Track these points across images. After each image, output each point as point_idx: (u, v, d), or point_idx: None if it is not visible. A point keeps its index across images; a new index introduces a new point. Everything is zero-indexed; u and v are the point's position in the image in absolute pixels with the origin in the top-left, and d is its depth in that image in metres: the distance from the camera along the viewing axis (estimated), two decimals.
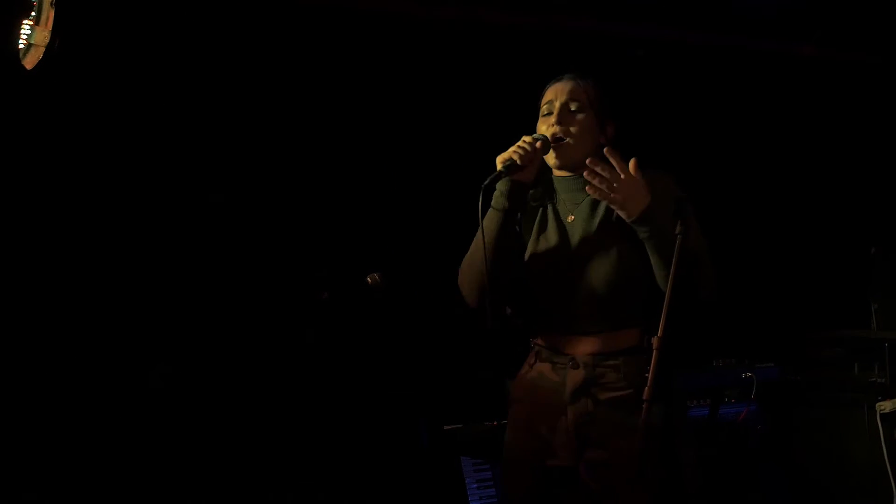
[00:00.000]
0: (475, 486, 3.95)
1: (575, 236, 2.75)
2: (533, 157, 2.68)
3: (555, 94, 2.82)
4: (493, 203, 2.72)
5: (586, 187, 2.58)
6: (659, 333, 2.39)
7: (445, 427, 3.95)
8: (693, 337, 3.94)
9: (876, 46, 5.18)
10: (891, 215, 5.14)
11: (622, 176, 2.56)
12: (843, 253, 5.05)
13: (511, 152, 2.67)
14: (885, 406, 4.22)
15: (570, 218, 2.79)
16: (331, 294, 3.24)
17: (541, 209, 2.83)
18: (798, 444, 4.51)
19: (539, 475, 2.69)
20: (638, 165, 2.59)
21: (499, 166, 2.65)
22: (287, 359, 3.97)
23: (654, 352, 2.39)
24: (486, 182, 2.64)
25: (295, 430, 3.97)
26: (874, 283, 4.72)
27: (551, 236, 2.77)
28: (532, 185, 2.76)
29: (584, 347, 2.69)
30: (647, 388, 2.36)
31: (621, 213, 2.59)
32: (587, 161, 2.56)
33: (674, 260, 2.45)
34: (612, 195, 2.56)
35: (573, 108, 2.79)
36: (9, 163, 3.62)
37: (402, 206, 4.36)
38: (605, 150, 2.58)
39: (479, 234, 2.70)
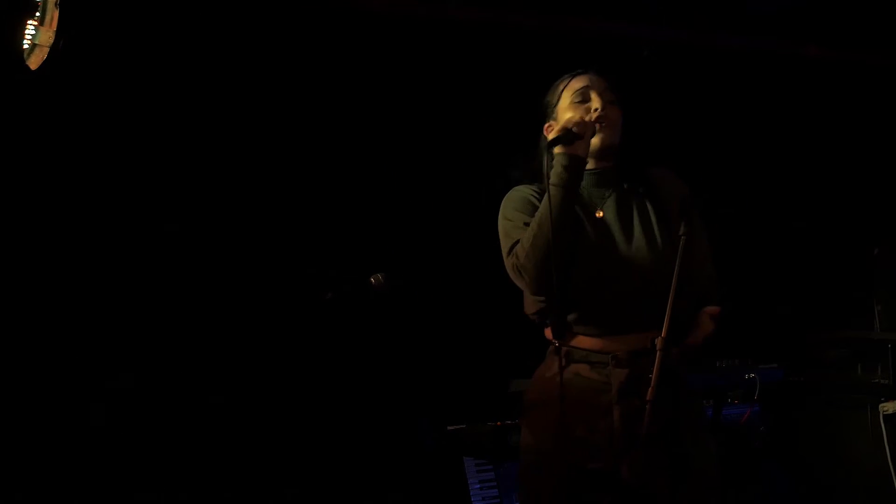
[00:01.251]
0: (478, 486, 3.96)
1: (609, 232, 2.71)
2: (586, 129, 2.67)
3: (589, 83, 2.79)
4: (553, 180, 2.65)
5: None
6: (662, 334, 2.39)
7: (448, 427, 3.95)
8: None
9: (880, 47, 5.18)
10: (894, 216, 5.14)
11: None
12: (847, 254, 5.04)
13: (565, 122, 2.66)
14: (889, 407, 4.21)
15: (600, 213, 2.75)
16: (335, 294, 3.24)
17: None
18: (801, 445, 4.51)
19: (574, 480, 2.58)
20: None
21: (552, 137, 2.64)
22: (291, 359, 3.98)
23: (658, 352, 2.39)
24: (548, 142, 2.65)
25: (298, 430, 3.97)
26: (877, 284, 4.71)
27: (585, 234, 2.71)
28: (586, 164, 2.70)
29: (626, 345, 2.65)
30: (650, 388, 2.36)
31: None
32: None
33: (678, 260, 2.45)
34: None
35: (609, 98, 2.78)
36: (13, 163, 3.63)
37: (405, 207, 4.36)
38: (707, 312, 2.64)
39: (541, 211, 2.65)
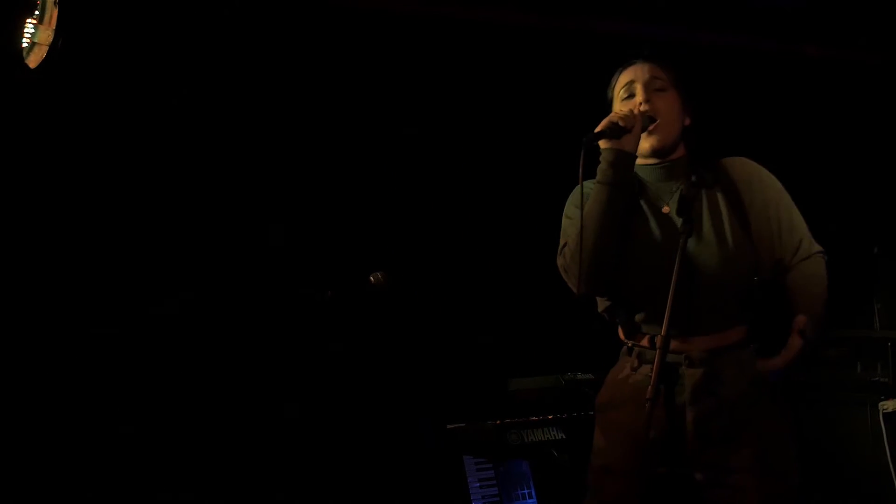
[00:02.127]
0: (477, 485, 3.95)
1: (676, 229, 2.57)
2: (634, 122, 2.55)
3: (634, 75, 2.69)
4: (598, 177, 2.55)
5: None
6: (662, 332, 2.35)
7: (448, 426, 3.95)
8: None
9: (880, 46, 5.19)
10: (894, 215, 5.14)
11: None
12: (846, 252, 5.03)
13: (612, 116, 2.55)
14: (888, 405, 4.21)
15: (666, 209, 2.64)
16: (335, 293, 3.24)
17: (633, 203, 2.66)
18: (801, 443, 4.49)
19: (646, 482, 2.50)
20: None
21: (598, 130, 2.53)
22: (291, 357, 3.98)
23: (658, 351, 2.34)
24: (587, 137, 2.49)
25: (298, 429, 3.97)
26: (877, 283, 4.71)
27: (650, 230, 2.62)
28: (635, 160, 2.60)
29: (698, 344, 2.55)
30: (650, 387, 2.31)
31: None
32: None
33: (677, 258, 2.39)
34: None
35: (657, 87, 2.67)
36: (12, 162, 3.63)
37: (406, 206, 4.36)
38: (797, 324, 2.56)
39: (586, 210, 2.55)
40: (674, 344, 2.53)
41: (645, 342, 2.63)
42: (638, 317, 2.62)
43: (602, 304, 2.71)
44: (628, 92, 2.68)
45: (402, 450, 4.03)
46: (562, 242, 2.68)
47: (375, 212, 4.27)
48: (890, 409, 4.21)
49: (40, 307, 3.70)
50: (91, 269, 3.80)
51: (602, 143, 2.56)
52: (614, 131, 2.52)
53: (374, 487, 3.97)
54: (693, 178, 2.58)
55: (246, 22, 4.04)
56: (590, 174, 2.59)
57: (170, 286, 3.91)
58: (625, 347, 2.67)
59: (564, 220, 2.71)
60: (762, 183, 2.69)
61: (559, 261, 2.64)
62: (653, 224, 2.62)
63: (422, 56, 4.35)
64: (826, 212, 5.16)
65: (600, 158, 2.55)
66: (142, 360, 3.84)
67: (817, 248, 2.75)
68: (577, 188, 2.65)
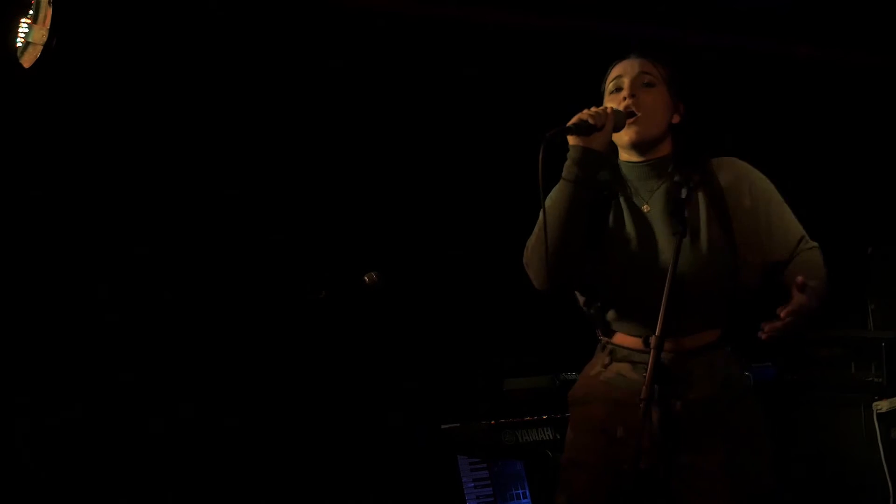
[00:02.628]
0: (472, 485, 3.95)
1: (657, 228, 2.57)
2: (605, 120, 2.50)
3: (623, 70, 2.66)
4: (563, 174, 2.51)
5: (761, 332, 2.41)
6: (657, 332, 2.34)
7: (442, 426, 3.95)
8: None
9: (871, 46, 5.19)
10: (888, 215, 5.15)
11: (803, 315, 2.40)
12: (840, 252, 5.04)
13: (582, 113, 2.51)
14: (882, 405, 4.22)
15: (647, 207, 2.61)
16: (328, 293, 3.23)
17: (612, 200, 2.63)
18: (795, 443, 4.51)
19: (615, 480, 2.49)
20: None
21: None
22: (284, 357, 3.98)
23: (652, 351, 2.34)
24: (551, 133, 2.44)
25: (291, 429, 3.97)
26: (871, 283, 4.72)
27: (630, 227, 2.59)
28: (604, 159, 2.56)
29: (668, 346, 2.49)
30: (644, 387, 2.31)
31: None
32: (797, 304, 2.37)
33: (672, 258, 2.38)
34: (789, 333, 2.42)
35: (645, 81, 2.63)
36: (6, 161, 3.62)
37: (399, 206, 4.36)
38: (798, 281, 2.40)
39: (546, 206, 2.50)
40: (644, 344, 2.53)
41: (617, 340, 2.62)
42: (611, 314, 2.61)
43: (581, 299, 2.70)
44: (616, 86, 2.65)
45: (397, 450, 4.03)
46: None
47: (370, 212, 4.27)
48: (884, 409, 4.22)
49: (34, 306, 3.70)
50: (85, 267, 3.80)
51: (570, 140, 2.52)
52: (582, 129, 2.49)
53: (368, 488, 3.97)
54: (676, 178, 2.57)
55: (241, 21, 4.04)
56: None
57: (162, 286, 3.91)
58: (599, 344, 2.67)
59: (540, 215, 2.63)
60: (752, 185, 2.66)
61: (524, 255, 2.62)
62: (632, 222, 2.60)
63: (418, 56, 4.35)
64: (820, 212, 5.19)
65: (567, 154, 2.52)
66: (135, 360, 3.84)
67: (815, 244, 2.73)
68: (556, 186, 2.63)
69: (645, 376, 2.44)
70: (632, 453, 2.42)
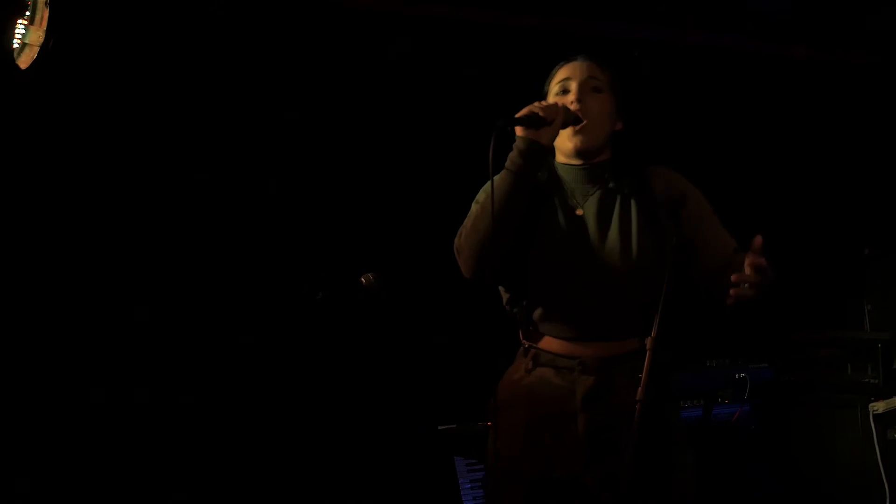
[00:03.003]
0: (469, 486, 3.95)
1: (588, 233, 2.56)
2: (556, 115, 2.48)
3: (572, 72, 2.64)
4: (507, 164, 2.48)
5: (728, 298, 2.37)
6: (653, 334, 2.34)
7: (439, 427, 3.95)
8: (687, 337, 3.97)
9: (869, 47, 5.20)
10: (884, 216, 5.15)
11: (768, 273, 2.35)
12: (837, 254, 5.05)
13: (534, 105, 2.49)
14: (879, 406, 4.23)
15: (580, 211, 2.60)
16: (326, 294, 3.23)
17: (546, 200, 2.61)
18: (791, 444, 4.51)
19: (539, 486, 2.49)
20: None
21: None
22: (281, 359, 3.97)
23: (648, 353, 2.33)
24: (501, 122, 2.43)
25: (288, 430, 3.97)
26: (868, 284, 4.73)
27: (560, 230, 2.57)
28: (547, 154, 2.55)
29: (593, 351, 2.52)
30: (640, 388, 2.30)
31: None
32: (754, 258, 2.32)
33: (669, 261, 2.38)
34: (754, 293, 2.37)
35: (593, 86, 2.62)
36: (3, 163, 3.62)
37: (396, 207, 4.36)
38: (756, 241, 2.36)
39: (486, 194, 2.49)
40: (568, 348, 2.54)
41: (542, 344, 2.59)
42: (537, 316, 2.58)
43: (505, 297, 2.67)
44: (563, 88, 2.63)
45: (394, 451, 4.03)
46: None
47: (367, 213, 4.27)
48: (880, 411, 4.23)
49: (29, 308, 3.69)
50: (81, 269, 3.79)
51: (518, 131, 2.50)
52: (533, 121, 2.46)
53: (365, 488, 3.97)
54: (611, 185, 2.60)
55: (240, 21, 4.03)
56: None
57: (160, 287, 3.90)
58: (521, 348, 2.64)
59: (472, 206, 2.64)
60: (685, 196, 2.63)
61: (455, 241, 2.59)
62: (564, 224, 2.58)
63: (418, 56, 4.35)
64: (817, 213, 5.20)
65: (513, 145, 2.49)
66: (130, 363, 3.84)
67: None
68: (496, 177, 2.61)
69: (571, 382, 2.48)
70: (561, 461, 2.45)
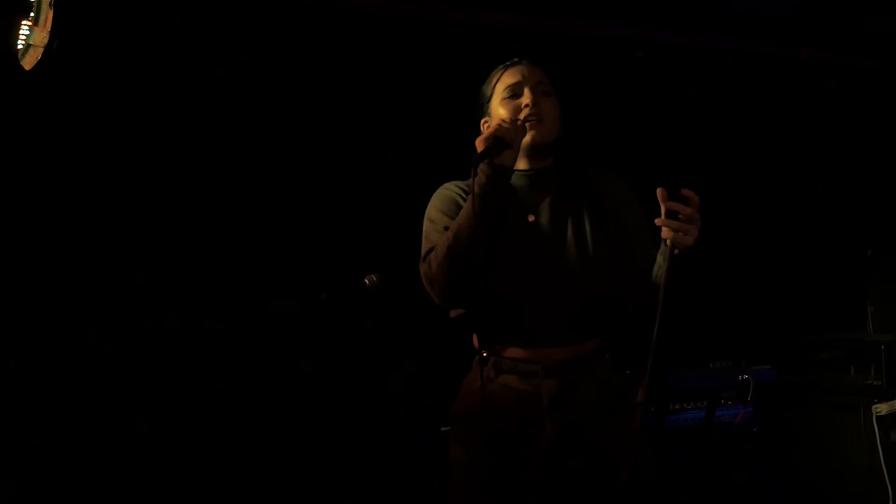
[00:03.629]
0: None
1: (542, 239, 2.56)
2: (516, 135, 2.46)
3: (521, 76, 2.63)
4: (476, 189, 2.41)
5: (663, 232, 2.30)
6: (654, 336, 2.31)
7: (442, 428, 3.95)
8: (690, 339, 3.97)
9: (872, 48, 5.20)
10: (887, 218, 5.15)
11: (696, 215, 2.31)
12: (840, 256, 5.05)
13: (495, 129, 2.44)
14: (882, 408, 4.22)
15: (532, 218, 2.59)
16: (329, 295, 3.23)
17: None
18: (794, 446, 4.51)
19: (508, 493, 2.48)
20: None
21: (481, 147, 2.42)
22: (285, 359, 3.98)
23: (651, 356, 2.30)
24: (476, 159, 2.40)
25: (292, 431, 3.97)
26: (871, 286, 4.72)
27: (513, 238, 2.56)
28: (511, 174, 2.51)
29: (554, 355, 2.52)
30: (640, 390, 2.29)
31: (675, 246, 2.31)
32: (665, 203, 2.27)
33: (666, 264, 2.35)
34: (687, 237, 2.30)
35: (543, 90, 2.62)
36: (7, 163, 3.62)
37: (399, 209, 4.36)
38: (658, 190, 2.30)
39: (459, 221, 2.47)
40: (530, 353, 2.53)
41: (503, 352, 2.57)
42: (495, 325, 2.56)
43: (455, 311, 2.65)
44: (512, 92, 2.62)
45: (396, 452, 4.04)
46: (426, 248, 2.59)
47: (371, 214, 4.27)
48: (883, 412, 4.22)
49: (33, 310, 3.70)
50: (85, 269, 3.80)
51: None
52: (498, 148, 2.44)
53: (368, 489, 3.97)
54: (559, 189, 2.60)
55: (244, 23, 4.04)
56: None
57: (163, 288, 3.91)
58: (478, 357, 2.59)
59: (426, 224, 2.64)
60: (629, 202, 2.65)
61: (423, 268, 2.55)
62: (517, 231, 2.57)
63: (421, 58, 4.35)
64: (820, 215, 5.20)
65: (477, 169, 2.44)
66: (135, 364, 3.84)
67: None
68: (441, 188, 2.66)
69: (536, 387, 2.48)
70: (527, 466, 2.44)
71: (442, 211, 2.62)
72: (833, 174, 5.20)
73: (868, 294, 4.71)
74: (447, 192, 2.68)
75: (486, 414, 2.48)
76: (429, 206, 2.69)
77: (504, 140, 2.44)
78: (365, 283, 3.22)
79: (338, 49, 4.24)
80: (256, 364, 3.98)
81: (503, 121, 2.51)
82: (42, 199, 3.71)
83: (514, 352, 2.56)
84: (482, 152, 2.42)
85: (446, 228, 2.53)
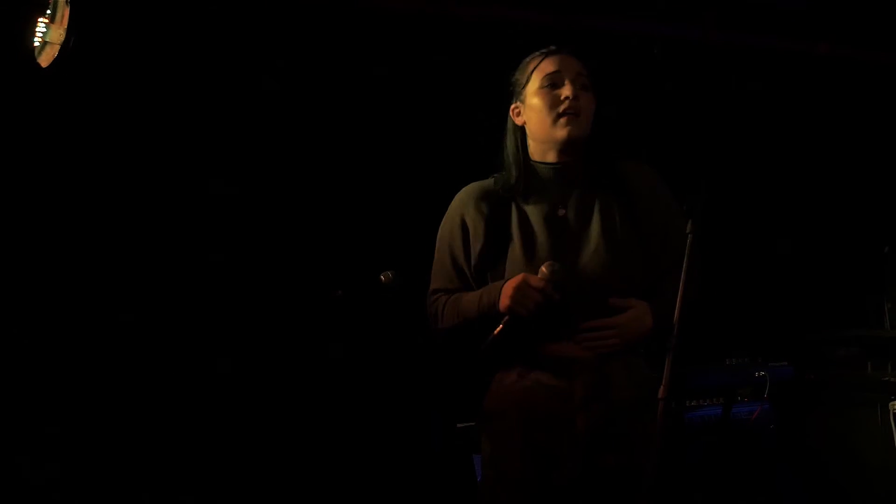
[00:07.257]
0: None
1: (569, 233, 2.55)
2: (533, 307, 2.47)
3: (560, 66, 2.58)
4: (485, 310, 2.56)
5: (583, 346, 2.45)
6: (674, 332, 2.31)
7: (458, 425, 3.95)
8: (706, 335, 3.96)
9: (890, 44, 5.17)
10: None
11: (614, 329, 2.45)
12: (857, 252, 5.03)
13: (517, 307, 2.47)
14: None
15: (562, 212, 2.58)
16: (345, 292, 3.23)
17: (523, 204, 2.60)
18: (811, 443, 4.50)
19: (542, 491, 2.47)
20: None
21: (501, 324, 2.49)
22: (301, 356, 3.98)
23: (670, 352, 2.31)
24: (486, 344, 2.50)
25: (307, 428, 3.97)
26: (888, 283, 4.71)
27: (544, 232, 2.55)
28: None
29: (588, 349, 2.52)
30: (662, 386, 2.28)
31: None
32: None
33: (685, 260, 2.34)
34: (612, 344, 2.45)
35: (581, 83, 2.58)
36: (24, 161, 3.63)
37: (415, 205, 4.36)
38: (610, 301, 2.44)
39: (469, 307, 2.59)
40: (563, 349, 2.52)
41: (539, 349, 2.56)
42: (529, 321, 2.54)
43: None
44: (551, 81, 2.57)
45: (413, 449, 4.04)
46: (434, 280, 2.68)
47: (386, 211, 4.27)
48: None
49: (45, 305, 3.71)
50: (99, 265, 3.81)
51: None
52: (517, 322, 2.48)
53: (384, 486, 3.97)
54: (589, 183, 2.58)
55: (262, 19, 4.04)
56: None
57: (180, 284, 3.91)
58: (510, 353, 2.61)
59: (437, 247, 2.72)
60: (662, 192, 2.64)
61: (429, 308, 2.68)
62: (551, 228, 2.55)
63: (435, 53, 4.34)
64: (837, 211, 5.17)
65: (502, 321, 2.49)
66: (148, 358, 3.85)
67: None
68: (455, 200, 2.73)
69: (568, 382, 2.48)
70: (560, 463, 2.43)
71: (445, 242, 2.69)
72: (850, 170, 5.18)
73: (885, 290, 4.70)
74: (456, 211, 2.71)
75: (518, 411, 2.50)
76: (442, 224, 2.73)
77: (524, 315, 2.46)
78: (381, 279, 3.22)
79: (357, 46, 4.24)
80: (272, 361, 3.99)
81: (530, 295, 2.48)
82: (58, 194, 3.72)
83: (547, 347, 2.55)
84: (494, 337, 2.51)
85: (449, 265, 2.62)
